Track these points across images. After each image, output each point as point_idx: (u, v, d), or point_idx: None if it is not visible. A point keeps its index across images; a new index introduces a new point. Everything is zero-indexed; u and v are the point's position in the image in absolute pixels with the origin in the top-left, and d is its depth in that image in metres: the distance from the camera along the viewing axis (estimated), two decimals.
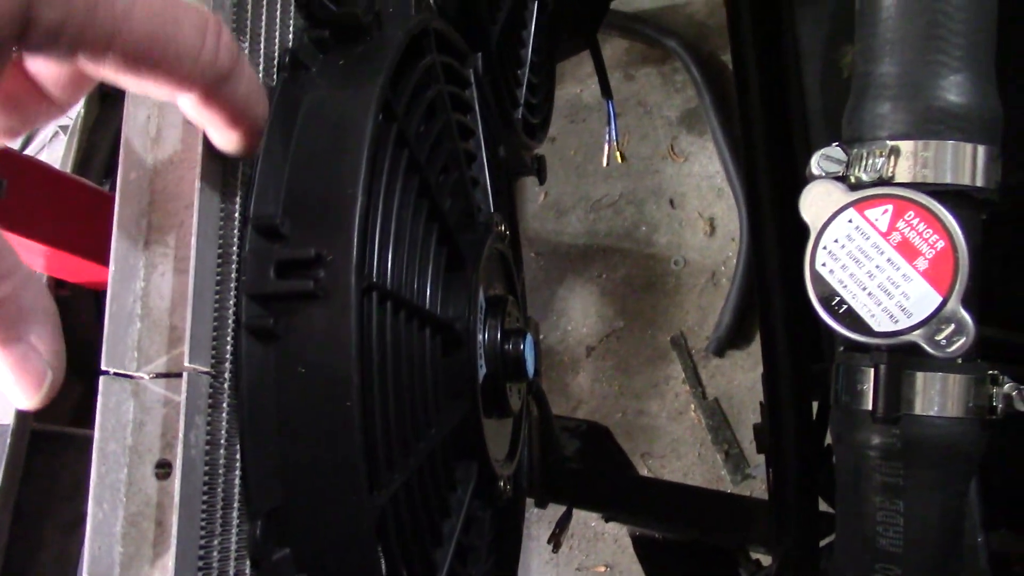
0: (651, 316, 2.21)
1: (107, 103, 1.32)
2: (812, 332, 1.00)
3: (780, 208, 1.03)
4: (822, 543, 1.01)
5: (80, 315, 1.20)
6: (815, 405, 1.02)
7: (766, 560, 1.17)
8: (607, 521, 1.34)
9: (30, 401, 0.40)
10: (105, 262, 0.49)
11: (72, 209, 0.98)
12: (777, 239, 0.99)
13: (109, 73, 0.41)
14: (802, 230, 0.63)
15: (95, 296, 1.20)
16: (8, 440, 1.05)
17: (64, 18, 0.37)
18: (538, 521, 2.07)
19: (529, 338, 0.73)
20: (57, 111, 0.48)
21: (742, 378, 2.10)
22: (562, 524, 1.22)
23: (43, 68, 0.46)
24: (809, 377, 1.00)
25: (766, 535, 1.10)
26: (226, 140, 0.48)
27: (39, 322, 0.40)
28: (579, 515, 2.09)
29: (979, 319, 0.60)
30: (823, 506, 1.02)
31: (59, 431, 1.17)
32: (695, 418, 2.12)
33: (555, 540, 1.21)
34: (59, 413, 1.19)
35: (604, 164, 1.43)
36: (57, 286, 1.09)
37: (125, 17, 0.38)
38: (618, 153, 1.44)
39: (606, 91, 1.44)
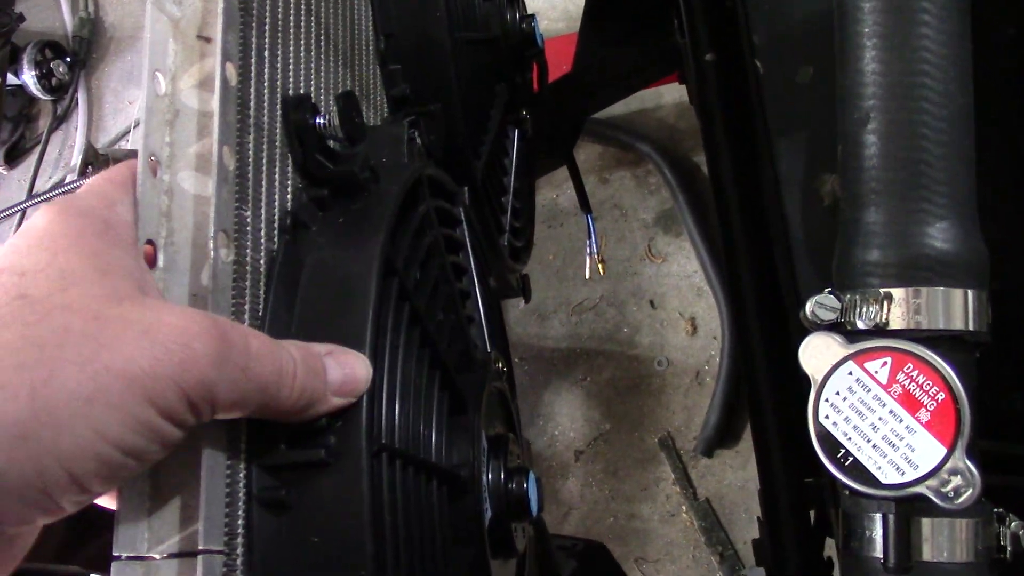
0: (638, 417, 2.21)
1: None
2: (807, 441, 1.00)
3: (764, 317, 1.04)
4: None
5: None
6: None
7: None
8: None
9: None
10: None
11: None
12: (766, 354, 1.00)
13: None
14: (790, 346, 0.64)
15: None
16: None
17: (239, 399, 0.45)
18: None
19: (532, 476, 0.73)
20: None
21: (732, 477, 2.09)
22: None
23: None
24: (805, 490, 1.00)
25: None
26: None
27: None
28: None
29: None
30: None
31: (41, 569, 1.14)
32: (687, 520, 2.10)
33: None
34: (44, 551, 1.16)
35: (587, 276, 1.45)
36: None
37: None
38: (600, 264, 1.46)
39: (585, 206, 1.47)
